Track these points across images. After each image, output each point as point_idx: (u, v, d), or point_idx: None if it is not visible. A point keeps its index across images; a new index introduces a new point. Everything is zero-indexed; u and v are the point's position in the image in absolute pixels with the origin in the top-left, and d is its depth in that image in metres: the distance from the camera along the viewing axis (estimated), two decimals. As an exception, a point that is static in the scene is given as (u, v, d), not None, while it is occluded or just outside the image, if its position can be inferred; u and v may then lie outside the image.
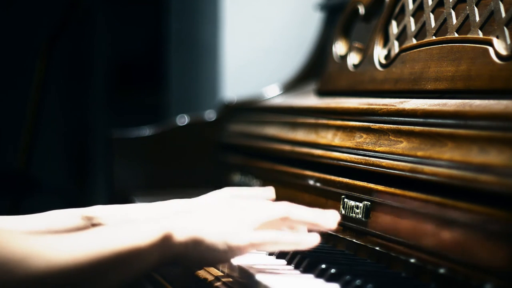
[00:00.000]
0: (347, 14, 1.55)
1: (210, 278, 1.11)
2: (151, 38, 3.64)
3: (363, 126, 1.23)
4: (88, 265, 0.90)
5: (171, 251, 0.97)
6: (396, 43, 1.35)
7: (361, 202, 1.16)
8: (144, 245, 0.94)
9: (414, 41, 1.29)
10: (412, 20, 1.32)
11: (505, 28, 1.08)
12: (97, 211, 1.13)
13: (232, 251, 0.99)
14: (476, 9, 1.15)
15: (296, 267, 1.07)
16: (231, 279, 1.09)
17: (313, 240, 1.03)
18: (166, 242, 0.96)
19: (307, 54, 1.99)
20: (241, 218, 1.02)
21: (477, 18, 1.14)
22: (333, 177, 1.27)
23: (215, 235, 0.99)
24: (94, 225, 1.11)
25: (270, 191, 1.23)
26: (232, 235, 0.99)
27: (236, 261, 1.08)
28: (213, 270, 1.14)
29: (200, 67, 2.60)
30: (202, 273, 1.14)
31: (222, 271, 1.13)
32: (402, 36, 1.34)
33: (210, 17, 2.46)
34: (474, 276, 0.90)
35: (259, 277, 1.00)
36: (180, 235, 0.97)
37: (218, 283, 1.09)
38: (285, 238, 1.01)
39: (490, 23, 1.12)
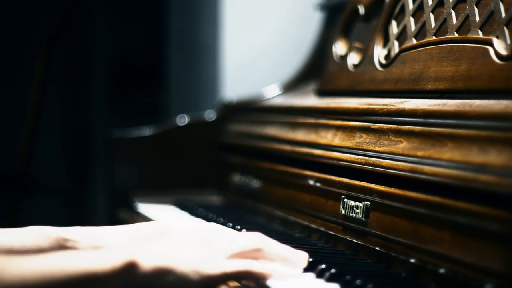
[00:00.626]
0: (347, 14, 1.55)
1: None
2: (151, 38, 3.64)
3: (363, 126, 1.23)
4: (35, 285, 0.86)
5: (137, 281, 0.92)
6: (396, 43, 1.35)
7: (361, 202, 1.16)
8: (103, 272, 0.89)
9: (414, 41, 1.29)
10: (412, 20, 1.32)
11: (505, 28, 1.08)
12: (74, 232, 1.08)
13: (204, 281, 0.94)
14: (476, 9, 1.15)
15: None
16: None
17: (287, 272, 1.00)
18: (130, 271, 0.91)
19: (307, 54, 1.99)
20: (214, 247, 0.98)
21: (477, 18, 1.14)
22: (333, 177, 1.27)
23: (185, 264, 0.93)
24: (68, 248, 1.06)
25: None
26: (204, 264, 0.94)
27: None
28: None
29: (200, 67, 2.60)
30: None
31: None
32: (402, 36, 1.34)
33: (210, 17, 2.46)
34: (474, 276, 0.90)
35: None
36: (146, 263, 0.92)
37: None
38: (258, 267, 0.97)
39: (490, 23, 1.12)
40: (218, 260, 0.97)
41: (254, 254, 1.01)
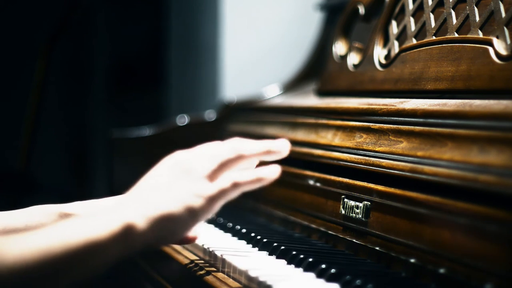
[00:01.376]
0: (347, 14, 1.55)
1: (217, 283, 1.10)
2: (151, 38, 3.64)
3: (363, 126, 1.23)
4: (37, 263, 0.85)
5: (139, 240, 0.92)
6: (396, 43, 1.35)
7: (361, 202, 1.16)
8: (101, 239, 0.88)
9: (414, 41, 1.29)
10: (412, 20, 1.32)
11: (505, 28, 1.08)
12: (76, 207, 1.09)
13: (197, 214, 0.95)
14: (476, 9, 1.15)
15: (297, 267, 1.07)
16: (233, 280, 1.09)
17: (274, 172, 0.99)
18: (128, 232, 0.90)
19: (307, 54, 1.99)
20: (193, 175, 0.97)
21: (477, 18, 1.14)
22: (333, 177, 1.27)
23: (175, 204, 0.94)
24: None
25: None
26: (191, 198, 0.94)
27: (238, 263, 1.08)
28: (219, 274, 1.13)
29: (200, 67, 2.60)
30: (209, 278, 1.13)
31: (225, 273, 1.13)
32: (402, 36, 1.34)
33: (210, 17, 2.46)
34: (474, 276, 0.90)
35: (262, 277, 1.00)
36: (142, 220, 0.91)
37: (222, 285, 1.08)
38: (244, 178, 0.97)
39: (490, 23, 1.12)
40: (202, 188, 0.96)
41: (236, 162, 1.00)
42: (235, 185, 0.97)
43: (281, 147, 1.03)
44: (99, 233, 0.89)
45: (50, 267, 0.86)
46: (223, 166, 0.99)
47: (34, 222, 1.07)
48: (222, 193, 0.97)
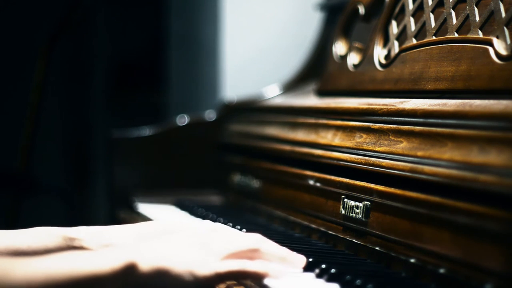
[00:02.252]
0: (347, 14, 1.55)
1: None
2: (151, 38, 3.64)
3: (363, 126, 1.23)
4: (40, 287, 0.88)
5: (135, 282, 0.94)
6: (396, 43, 1.35)
7: (361, 202, 1.16)
8: (104, 274, 0.92)
9: (414, 41, 1.29)
10: (412, 20, 1.32)
11: (505, 28, 1.08)
12: (80, 232, 1.10)
13: (198, 282, 0.96)
14: (476, 9, 1.15)
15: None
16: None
17: (282, 271, 1.00)
18: (129, 272, 0.93)
19: (307, 54, 1.99)
20: (209, 248, 0.99)
21: (477, 18, 1.14)
22: (333, 177, 1.27)
23: (181, 265, 0.96)
24: (75, 247, 1.08)
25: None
26: (199, 266, 0.97)
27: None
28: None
29: (200, 67, 2.60)
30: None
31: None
32: (402, 36, 1.34)
33: (210, 17, 2.46)
34: (474, 276, 0.90)
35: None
36: (145, 265, 0.95)
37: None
38: (253, 267, 0.98)
39: (490, 23, 1.12)
40: (212, 261, 0.98)
41: (251, 254, 1.01)
42: (243, 271, 0.99)
43: (297, 262, 1.05)
44: (103, 268, 0.92)
45: None
46: (239, 253, 1.01)
47: (37, 243, 1.09)
48: (229, 274, 0.98)
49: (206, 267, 0.97)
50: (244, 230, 1.31)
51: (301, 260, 1.05)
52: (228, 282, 1.05)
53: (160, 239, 1.02)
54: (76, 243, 1.09)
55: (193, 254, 0.98)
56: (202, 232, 1.04)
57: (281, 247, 1.05)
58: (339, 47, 1.54)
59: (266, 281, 0.99)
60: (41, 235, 1.09)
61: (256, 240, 1.03)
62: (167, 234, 1.05)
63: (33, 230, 1.10)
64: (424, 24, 1.28)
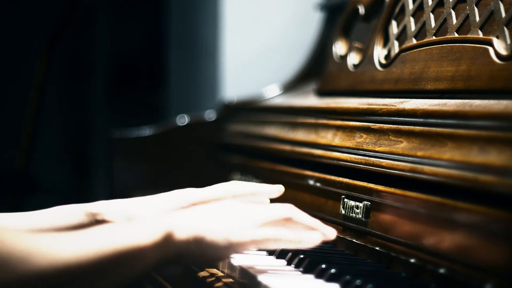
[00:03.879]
0: (347, 14, 1.55)
1: (211, 278, 1.11)
2: (151, 38, 3.64)
3: (363, 126, 1.23)
4: (89, 263, 0.90)
5: (173, 250, 0.97)
6: (396, 43, 1.35)
7: (361, 202, 1.16)
8: (145, 244, 0.95)
9: (414, 41, 1.29)
10: (412, 20, 1.32)
11: (505, 28, 1.08)
12: (101, 206, 1.13)
13: (233, 248, 1.00)
14: (476, 9, 1.15)
15: (297, 267, 1.07)
16: (231, 280, 1.09)
17: (316, 239, 1.03)
18: (167, 241, 0.96)
19: (307, 54, 1.99)
20: (243, 216, 1.02)
21: (477, 18, 1.14)
22: (333, 177, 1.27)
23: (216, 232, 0.99)
24: (98, 221, 1.12)
25: (277, 189, 1.20)
26: (234, 232, 1.00)
27: (236, 261, 1.08)
28: (214, 271, 1.14)
29: (200, 67, 2.60)
30: (203, 273, 1.14)
31: (222, 271, 1.13)
32: (402, 36, 1.34)
33: (210, 17, 2.46)
34: (474, 276, 0.90)
35: (261, 277, 1.00)
36: (182, 233, 0.97)
37: (218, 284, 1.09)
38: (287, 235, 1.02)
39: (490, 23, 1.12)
40: (246, 228, 1.01)
41: (284, 222, 1.04)
42: (278, 239, 1.02)
43: (328, 231, 1.07)
44: (144, 238, 0.95)
45: (101, 267, 0.92)
46: (274, 222, 1.04)
47: (60, 222, 1.12)
48: (264, 240, 1.02)
49: (241, 234, 1.00)
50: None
51: (333, 231, 1.07)
52: (226, 280, 1.06)
53: (197, 211, 1.05)
54: (99, 217, 1.12)
55: (228, 221, 1.01)
56: (239, 205, 1.06)
57: (313, 218, 1.07)
58: (339, 47, 1.54)
59: (268, 281, 0.98)
60: (62, 213, 1.12)
61: (289, 209, 1.05)
62: (202, 208, 1.07)
63: (54, 209, 1.13)
64: (424, 24, 1.28)
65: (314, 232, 1.05)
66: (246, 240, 1.00)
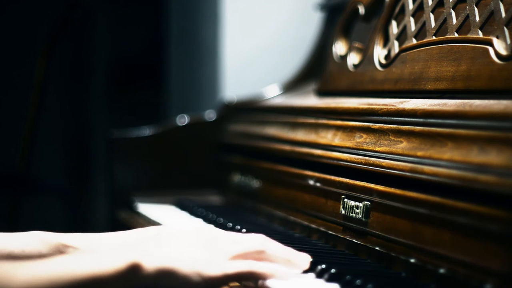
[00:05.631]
0: (347, 14, 1.55)
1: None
2: (151, 38, 3.64)
3: (363, 126, 1.23)
4: None
5: (139, 282, 0.93)
6: (396, 43, 1.35)
7: (361, 202, 1.16)
8: (107, 276, 0.90)
9: (414, 41, 1.29)
10: (412, 20, 1.32)
11: (505, 28, 1.08)
12: (75, 239, 1.08)
13: (206, 283, 0.94)
14: (476, 9, 1.15)
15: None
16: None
17: (290, 272, 1.01)
18: (133, 273, 0.92)
19: (307, 54, 1.99)
20: (216, 248, 0.98)
21: (477, 18, 1.14)
22: (333, 177, 1.27)
23: (187, 265, 0.94)
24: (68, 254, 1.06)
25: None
26: (206, 266, 0.95)
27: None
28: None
29: (200, 67, 2.60)
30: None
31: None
32: (402, 36, 1.34)
33: (210, 17, 2.46)
34: (474, 276, 0.90)
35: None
36: (149, 266, 0.92)
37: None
38: (260, 268, 0.97)
39: (490, 23, 1.12)
40: (220, 261, 0.97)
41: (257, 256, 1.01)
42: (251, 272, 0.98)
43: (302, 261, 1.04)
44: (106, 269, 0.91)
45: None
46: (246, 255, 1.00)
47: (31, 249, 1.06)
48: (237, 274, 0.97)
49: (214, 268, 0.95)
50: (244, 230, 1.31)
51: (306, 260, 1.04)
52: (231, 284, 1.04)
53: (164, 240, 1.01)
54: (69, 251, 1.06)
55: (200, 254, 0.97)
56: (206, 234, 1.03)
57: (286, 248, 1.04)
58: (339, 47, 1.54)
59: (266, 281, 0.98)
60: (35, 240, 1.07)
61: (261, 241, 1.02)
62: (169, 236, 1.03)
63: (28, 234, 1.08)
64: (424, 24, 1.28)
65: (288, 265, 1.02)
66: (218, 274, 0.95)
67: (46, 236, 1.08)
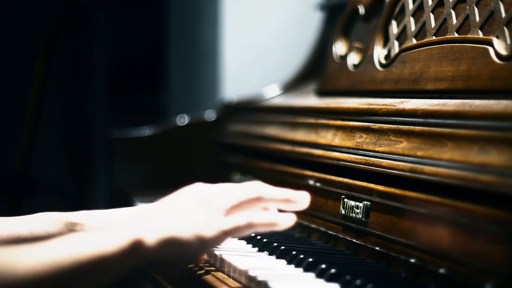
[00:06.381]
0: (347, 14, 1.55)
1: (217, 283, 1.10)
2: (151, 38, 3.64)
3: (363, 126, 1.23)
4: (47, 275, 0.87)
5: (144, 256, 0.94)
6: (396, 43, 1.35)
7: (361, 202, 1.16)
8: (111, 253, 0.91)
9: (414, 41, 1.29)
10: (412, 20, 1.32)
11: (505, 28, 1.08)
12: (82, 216, 1.10)
13: (206, 243, 0.97)
14: (476, 9, 1.15)
15: (297, 267, 1.07)
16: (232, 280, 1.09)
17: (290, 220, 1.00)
18: (137, 248, 0.93)
19: (307, 54, 1.99)
20: (210, 207, 0.99)
21: (477, 18, 1.14)
22: (333, 177, 1.27)
23: (186, 231, 0.96)
24: (76, 232, 1.08)
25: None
26: (204, 227, 0.96)
27: (238, 263, 1.08)
28: (219, 274, 1.12)
29: (200, 67, 2.60)
30: (209, 277, 1.13)
31: (228, 274, 1.12)
32: (402, 36, 1.34)
33: (210, 17, 2.47)
34: (474, 276, 0.90)
35: (261, 277, 1.00)
36: (151, 238, 0.94)
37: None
38: (259, 219, 0.98)
39: (490, 23, 1.12)
40: (216, 219, 0.97)
41: (255, 203, 1.01)
42: (249, 225, 0.99)
43: (301, 198, 1.04)
44: (108, 247, 0.91)
45: (60, 280, 0.88)
46: (241, 204, 1.01)
47: (39, 229, 1.07)
48: (235, 229, 0.98)
49: (211, 228, 0.96)
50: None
51: (306, 197, 1.04)
52: (232, 284, 1.05)
53: (159, 209, 1.01)
54: (78, 228, 1.08)
55: (195, 216, 0.97)
56: (200, 190, 1.03)
57: (283, 189, 1.03)
58: (339, 47, 1.54)
59: (266, 280, 0.98)
60: (43, 221, 1.08)
61: (256, 188, 1.02)
62: (168, 204, 1.03)
63: (35, 216, 1.10)
64: (424, 24, 1.28)
65: (288, 214, 1.01)
66: (218, 233, 0.96)
67: (53, 215, 1.09)
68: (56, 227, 1.08)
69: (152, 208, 1.05)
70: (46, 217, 1.09)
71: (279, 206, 1.02)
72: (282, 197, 1.03)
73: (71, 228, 1.08)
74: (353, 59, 1.47)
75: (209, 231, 0.96)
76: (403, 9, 1.35)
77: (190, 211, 0.99)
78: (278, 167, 1.50)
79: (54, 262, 0.88)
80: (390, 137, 1.14)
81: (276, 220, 0.99)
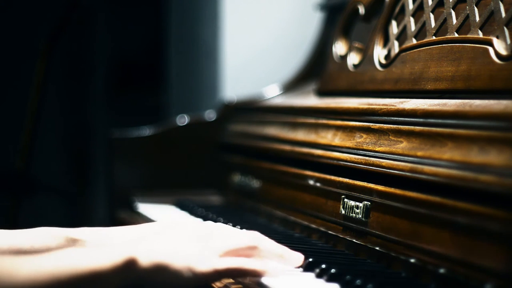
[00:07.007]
0: (347, 14, 1.55)
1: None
2: (151, 38, 3.64)
3: (363, 126, 1.23)
4: (45, 286, 0.90)
5: (134, 276, 0.96)
6: (396, 43, 1.35)
7: (361, 202, 1.16)
8: (104, 270, 0.94)
9: (414, 41, 1.29)
10: (412, 20, 1.32)
11: (505, 28, 1.08)
12: (83, 233, 1.11)
13: (196, 278, 0.98)
14: (476, 9, 1.15)
15: (297, 267, 1.07)
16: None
17: (280, 270, 1.01)
18: (129, 267, 0.95)
19: (307, 54, 1.99)
20: (208, 244, 1.00)
21: (477, 18, 1.14)
22: (333, 177, 1.27)
23: (180, 261, 0.97)
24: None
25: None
26: (197, 262, 0.98)
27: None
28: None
29: (200, 67, 2.60)
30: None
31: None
32: (402, 36, 1.34)
33: (210, 17, 2.46)
34: (474, 276, 0.90)
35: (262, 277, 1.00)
36: (144, 260, 0.96)
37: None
38: (251, 265, 0.99)
39: (490, 23, 1.12)
40: (211, 257, 0.99)
41: (249, 252, 1.02)
42: (242, 270, 1.00)
43: (295, 258, 1.06)
44: (104, 263, 0.94)
45: None
46: (238, 250, 1.02)
47: (40, 244, 1.10)
48: (228, 270, 0.99)
49: (204, 264, 0.98)
50: (244, 230, 1.31)
51: (299, 258, 1.05)
52: (226, 281, 1.05)
53: (159, 235, 1.03)
54: (78, 245, 1.10)
55: (192, 249, 0.99)
56: (201, 229, 1.04)
57: (279, 245, 1.05)
58: (339, 47, 1.54)
59: (265, 281, 0.98)
60: (43, 235, 1.10)
61: (254, 237, 1.04)
62: (166, 230, 1.05)
63: (36, 230, 1.11)
64: (424, 24, 1.28)
65: (280, 262, 1.03)
66: (208, 270, 0.98)
67: (54, 231, 1.11)
68: (57, 242, 1.10)
69: (154, 230, 1.07)
70: (48, 232, 1.11)
71: (272, 259, 1.03)
72: (277, 252, 1.05)
73: (71, 244, 1.10)
74: (353, 59, 1.47)
75: (202, 266, 0.98)
76: (403, 9, 1.35)
77: (188, 244, 1.01)
78: (278, 167, 1.50)
79: (53, 273, 0.91)
80: (390, 137, 1.14)
81: (267, 269, 1.00)
